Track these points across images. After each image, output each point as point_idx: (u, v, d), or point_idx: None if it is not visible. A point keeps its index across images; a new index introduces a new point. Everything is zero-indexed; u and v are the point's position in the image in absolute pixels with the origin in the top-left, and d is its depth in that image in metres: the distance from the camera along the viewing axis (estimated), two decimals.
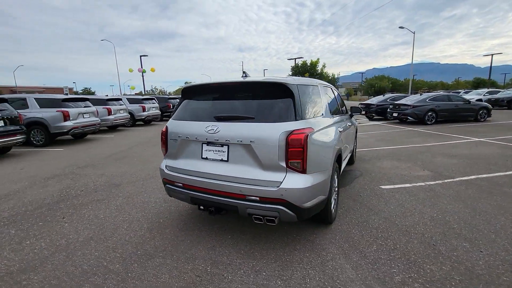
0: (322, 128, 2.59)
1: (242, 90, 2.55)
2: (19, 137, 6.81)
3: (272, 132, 2.19)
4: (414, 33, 26.94)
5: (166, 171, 2.74)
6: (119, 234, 2.85)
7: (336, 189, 3.19)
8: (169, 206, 3.54)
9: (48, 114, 8.17)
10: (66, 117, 8.33)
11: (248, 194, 2.23)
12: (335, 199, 3.11)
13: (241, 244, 2.62)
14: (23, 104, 8.29)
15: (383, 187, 4.17)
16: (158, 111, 15.47)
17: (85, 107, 9.31)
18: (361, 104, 15.28)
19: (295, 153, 2.17)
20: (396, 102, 12.11)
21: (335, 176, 2.99)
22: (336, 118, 3.45)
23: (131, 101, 14.19)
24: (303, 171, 2.22)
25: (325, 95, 3.18)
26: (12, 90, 44.29)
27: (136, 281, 2.10)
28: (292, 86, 2.36)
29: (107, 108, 11.45)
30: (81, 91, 56.72)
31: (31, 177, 4.98)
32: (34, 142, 8.28)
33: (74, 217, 3.26)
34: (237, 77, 2.58)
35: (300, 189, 2.19)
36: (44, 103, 8.40)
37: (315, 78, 14.83)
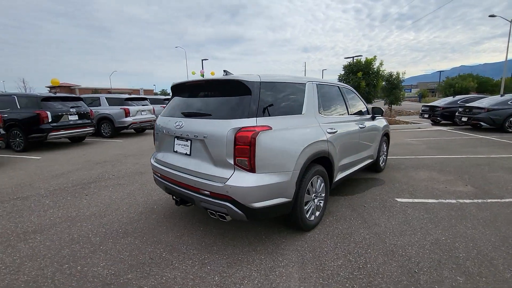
0: (290, 128, 2.45)
1: (207, 88, 2.62)
2: (89, 129, 8.36)
3: (221, 129, 2.21)
4: (511, 23, 21.89)
5: (152, 162, 3.03)
6: (117, 214, 3.27)
7: (323, 195, 2.95)
8: (169, 196, 3.87)
9: (113, 111, 9.76)
10: (127, 113, 9.79)
11: (201, 188, 2.31)
12: (318, 206, 2.89)
13: (207, 237, 2.70)
14: (97, 102, 10.11)
15: (398, 199, 3.63)
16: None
17: (143, 105, 10.74)
18: (425, 106, 13.25)
19: (242, 151, 2.13)
20: (467, 105, 10.10)
21: (316, 181, 2.78)
22: (332, 118, 3.18)
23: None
24: (251, 169, 2.17)
25: (313, 94, 2.97)
26: (109, 91, 54.18)
27: (102, 253, 2.41)
28: (250, 83, 2.31)
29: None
30: (159, 92, 65.02)
31: (85, 162, 6.09)
32: (104, 134, 10.00)
33: (94, 196, 3.88)
34: (208, 76, 2.66)
35: (246, 188, 2.14)
36: (112, 102, 10.07)
37: (370, 76, 13.54)
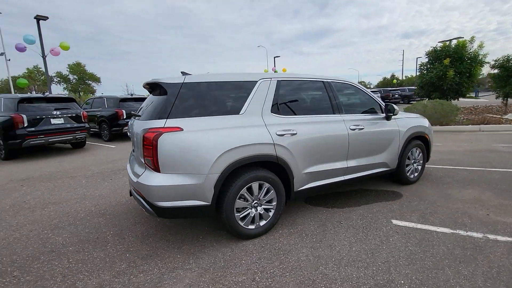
0: (211, 129, 2.33)
1: (153, 90, 2.76)
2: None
3: (138, 129, 2.33)
4: None
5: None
6: (113, 199, 3.88)
7: (273, 203, 2.68)
8: None
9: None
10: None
11: (130, 183, 2.51)
12: (262, 214, 2.64)
13: (154, 228, 2.90)
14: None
15: (395, 221, 2.88)
16: None
17: None
18: None
19: (148, 151, 2.20)
20: None
21: (257, 187, 2.54)
22: (295, 119, 2.80)
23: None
24: (156, 169, 2.21)
25: (266, 93, 2.69)
26: None
27: (70, 227, 2.96)
28: (166, 84, 2.33)
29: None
30: None
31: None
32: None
33: (114, 181, 4.70)
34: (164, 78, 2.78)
35: (150, 186, 2.21)
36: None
37: (463, 63, 10.62)
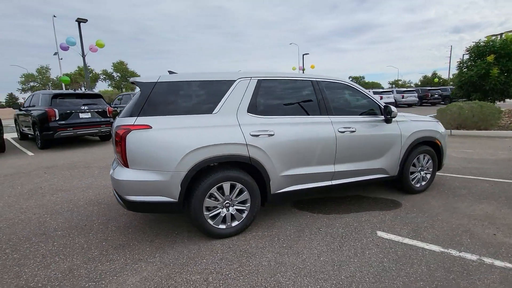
0: (180, 128, 2.36)
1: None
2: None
3: (113, 126, 2.45)
4: None
5: None
6: (103, 190, 4.14)
7: (246, 205, 2.64)
8: None
9: None
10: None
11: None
12: (234, 215, 2.62)
13: (136, 220, 3.04)
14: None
15: (380, 233, 2.66)
16: None
17: None
18: None
19: (118, 147, 2.30)
20: None
21: (228, 187, 2.52)
22: (275, 119, 2.72)
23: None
24: (125, 164, 2.30)
25: (244, 92, 2.63)
26: None
27: (67, 213, 3.23)
28: (140, 83, 2.41)
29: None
30: None
31: None
32: None
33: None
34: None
35: (119, 181, 2.32)
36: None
37: (510, 60, 9.31)
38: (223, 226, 2.59)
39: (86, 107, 7.66)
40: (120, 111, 3.19)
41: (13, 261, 2.30)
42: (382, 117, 3.29)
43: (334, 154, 2.99)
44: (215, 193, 2.50)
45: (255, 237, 2.63)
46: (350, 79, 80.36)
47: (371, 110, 3.33)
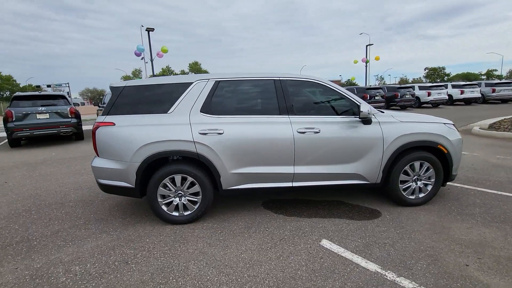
0: (137, 125, 2.75)
1: None
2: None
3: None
4: None
5: None
6: None
7: (198, 197, 2.88)
8: None
9: None
10: None
11: None
12: (186, 205, 2.89)
13: (125, 208, 3.62)
14: None
15: (324, 242, 2.51)
16: None
17: None
18: None
19: (92, 139, 2.85)
20: None
21: (179, 180, 2.80)
22: (226, 119, 2.84)
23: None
24: (96, 153, 2.84)
25: (199, 93, 2.84)
26: None
27: (77, 190, 4.09)
28: (112, 88, 2.89)
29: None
30: (345, 82, 65.18)
31: None
32: None
33: None
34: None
35: (92, 166, 2.87)
36: None
37: None
38: (175, 214, 2.91)
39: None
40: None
41: (32, 219, 3.16)
42: (357, 117, 2.99)
43: (293, 155, 2.91)
44: (168, 184, 2.83)
45: (203, 227, 2.85)
46: (426, 70, 68.63)
47: (347, 110, 3.07)
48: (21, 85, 52.61)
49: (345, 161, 3.00)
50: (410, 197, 3.18)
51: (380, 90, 15.93)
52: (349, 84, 58.66)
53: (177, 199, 2.89)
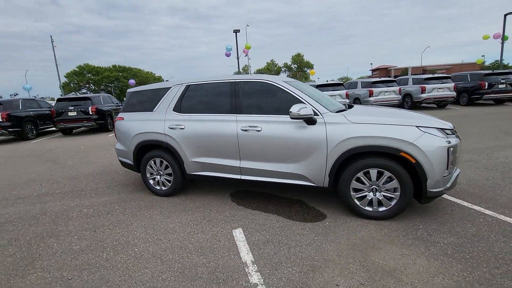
0: (134, 120, 3.77)
1: None
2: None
3: None
4: None
5: None
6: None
7: (170, 178, 3.69)
8: None
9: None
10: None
11: None
12: (163, 182, 3.75)
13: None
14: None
15: (236, 231, 2.79)
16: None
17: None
18: None
19: (113, 129, 4.12)
20: None
21: (157, 162, 3.68)
22: (189, 116, 3.44)
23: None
24: (116, 139, 4.09)
25: (174, 96, 3.54)
26: (424, 69, 51.70)
27: (109, 166, 5.67)
28: (127, 92, 4.00)
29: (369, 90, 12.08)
30: (491, 65, 49.01)
31: None
32: None
33: None
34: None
35: (115, 148, 4.15)
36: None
37: None
38: (158, 187, 3.81)
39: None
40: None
41: (68, 186, 4.86)
42: (289, 117, 2.90)
43: (238, 151, 3.22)
44: (152, 164, 3.76)
45: (168, 200, 3.62)
46: None
47: (286, 108, 3.01)
48: None
49: (287, 161, 3.02)
50: (367, 208, 2.82)
51: (510, 76, 11.34)
52: (495, 67, 43.22)
53: (158, 176, 3.80)
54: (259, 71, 57.64)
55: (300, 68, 53.37)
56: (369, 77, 53.35)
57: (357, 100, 12.73)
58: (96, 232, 2.90)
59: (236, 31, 17.76)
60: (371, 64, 60.35)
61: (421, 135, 2.56)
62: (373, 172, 2.71)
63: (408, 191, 2.63)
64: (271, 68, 55.94)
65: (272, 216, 3.05)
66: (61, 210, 3.54)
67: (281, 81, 3.16)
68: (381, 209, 2.79)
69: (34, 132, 10.23)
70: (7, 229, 3.09)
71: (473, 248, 2.26)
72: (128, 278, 2.14)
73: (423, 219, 2.78)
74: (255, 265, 2.21)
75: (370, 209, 2.82)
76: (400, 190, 2.66)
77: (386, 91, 12.05)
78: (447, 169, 2.58)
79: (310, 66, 53.65)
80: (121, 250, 2.54)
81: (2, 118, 8.80)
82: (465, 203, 3.07)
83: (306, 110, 2.77)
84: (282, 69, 55.09)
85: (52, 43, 29.54)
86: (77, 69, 52.92)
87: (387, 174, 2.67)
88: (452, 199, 3.21)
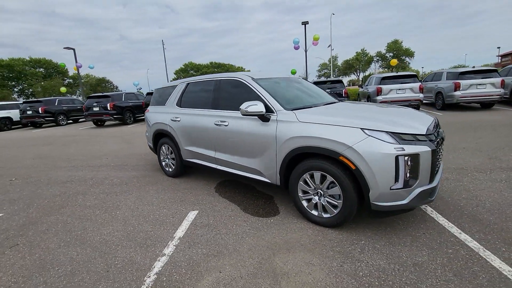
0: (153, 112, 4.59)
1: None
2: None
3: None
4: None
5: None
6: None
7: (174, 161, 4.38)
8: None
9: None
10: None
11: None
12: (170, 164, 4.47)
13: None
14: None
15: (191, 213, 3.18)
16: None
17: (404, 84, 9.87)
18: None
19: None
20: None
21: (166, 147, 4.42)
22: (185, 110, 3.97)
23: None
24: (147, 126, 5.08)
25: (178, 92, 4.14)
26: None
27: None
28: (154, 90, 4.86)
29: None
30: None
31: None
32: None
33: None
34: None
35: (146, 135, 5.14)
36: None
37: None
38: (167, 169, 4.58)
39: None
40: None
41: (120, 161, 6.12)
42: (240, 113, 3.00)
43: (213, 143, 3.55)
44: (163, 149, 4.54)
45: (163, 184, 4.30)
46: None
47: (250, 106, 3.06)
48: None
49: (248, 155, 3.16)
50: (313, 212, 2.70)
51: None
52: None
53: (167, 160, 4.55)
54: (347, 62, 53.61)
55: (396, 57, 46.48)
56: (496, 64, 41.32)
57: (439, 95, 10.35)
58: (107, 196, 3.86)
59: (304, 23, 17.22)
60: (499, 48, 46.31)
61: (364, 139, 2.25)
62: (317, 175, 2.56)
63: (350, 200, 2.37)
64: (361, 58, 50.98)
65: (232, 206, 3.27)
66: (102, 178, 4.77)
67: (249, 78, 3.27)
68: (325, 215, 2.60)
69: (132, 119, 13.21)
70: (64, 185, 4.46)
71: (394, 278, 1.91)
72: (96, 229, 2.88)
73: (375, 235, 2.43)
74: (179, 241, 2.56)
75: (316, 213, 2.67)
76: (343, 197, 2.42)
77: (480, 84, 9.08)
78: (396, 181, 2.18)
79: (410, 54, 45.99)
80: (108, 210, 3.36)
81: (110, 107, 11.83)
82: (455, 229, 2.46)
83: (255, 108, 2.83)
84: (374, 59, 49.42)
85: (163, 46, 36.21)
86: (183, 66, 62.83)
87: (329, 178, 2.47)
88: (443, 221, 2.60)
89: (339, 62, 58.52)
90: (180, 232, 2.72)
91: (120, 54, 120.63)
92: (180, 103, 4.16)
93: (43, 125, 14.98)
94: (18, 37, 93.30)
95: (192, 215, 3.09)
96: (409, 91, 9.78)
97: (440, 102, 10.32)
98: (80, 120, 16.10)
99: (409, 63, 47.15)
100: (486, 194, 3.13)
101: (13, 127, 15.13)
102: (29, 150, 8.05)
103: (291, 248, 2.34)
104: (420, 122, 2.45)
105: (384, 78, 10.25)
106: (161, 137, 4.56)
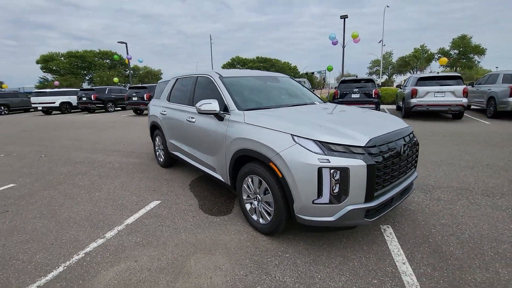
0: (152, 105, 4.91)
1: None
2: None
3: None
4: None
5: None
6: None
7: (164, 151, 4.65)
8: None
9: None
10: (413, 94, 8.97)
11: None
12: (161, 155, 4.76)
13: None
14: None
15: (152, 202, 3.36)
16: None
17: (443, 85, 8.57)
18: None
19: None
20: None
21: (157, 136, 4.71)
22: (171, 105, 4.16)
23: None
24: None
25: (170, 86, 4.34)
26: None
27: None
28: (157, 83, 5.17)
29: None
30: None
31: None
32: None
33: None
34: None
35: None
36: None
37: None
38: (160, 160, 4.89)
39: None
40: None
41: (132, 148, 6.61)
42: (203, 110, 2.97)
43: (186, 138, 3.68)
44: (156, 140, 4.85)
45: (150, 173, 4.58)
46: None
47: (214, 104, 3.08)
48: (300, 73, 71.25)
49: (207, 152, 3.21)
50: (253, 217, 2.64)
51: None
52: None
53: (159, 151, 4.85)
54: (402, 59, 48.74)
55: (463, 54, 40.59)
56: None
57: (491, 101, 8.79)
58: (100, 179, 4.30)
59: (343, 17, 16.01)
60: None
61: (291, 146, 2.11)
62: (256, 180, 2.49)
63: (280, 209, 2.26)
64: (419, 55, 45.78)
65: (193, 200, 3.36)
66: (108, 161, 5.30)
67: (217, 76, 3.27)
68: (262, 221, 2.52)
69: None
70: (75, 166, 5.08)
71: None
72: (70, 207, 3.26)
73: (306, 250, 2.28)
74: (124, 227, 2.75)
75: (255, 218, 2.60)
76: (274, 205, 2.31)
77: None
78: (320, 195, 2.00)
79: (481, 52, 39.67)
80: (91, 191, 3.75)
81: (146, 97, 12.91)
82: (401, 258, 2.16)
83: (208, 106, 2.84)
84: (436, 56, 43.90)
85: (211, 41, 37.77)
86: (230, 61, 64.60)
87: (264, 184, 2.38)
88: (395, 246, 2.30)
89: (394, 58, 53.64)
90: (131, 219, 2.92)
91: (176, 48, 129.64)
92: (169, 98, 4.37)
93: (96, 111, 17.09)
94: (92, 32, 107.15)
95: (153, 204, 3.28)
96: (450, 94, 8.42)
97: (492, 109, 8.80)
98: (127, 108, 17.85)
99: (478, 62, 40.74)
100: (473, 223, 2.65)
101: (72, 110, 17.59)
102: (71, 132, 9.30)
103: (214, 249, 2.33)
104: (369, 131, 2.19)
105: (421, 79, 9.05)
106: (155, 129, 4.86)
